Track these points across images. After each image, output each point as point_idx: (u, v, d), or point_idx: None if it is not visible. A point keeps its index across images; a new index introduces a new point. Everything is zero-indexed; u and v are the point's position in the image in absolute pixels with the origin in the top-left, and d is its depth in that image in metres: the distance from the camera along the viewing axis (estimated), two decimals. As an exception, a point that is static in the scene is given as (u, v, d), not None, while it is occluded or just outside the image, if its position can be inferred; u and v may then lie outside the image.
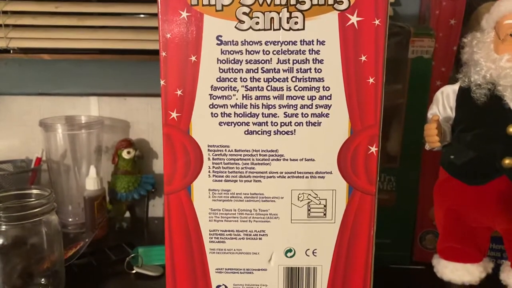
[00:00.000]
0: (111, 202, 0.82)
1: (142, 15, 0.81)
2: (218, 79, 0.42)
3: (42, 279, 0.57)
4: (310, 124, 0.43)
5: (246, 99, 0.42)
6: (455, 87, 0.53)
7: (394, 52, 0.64)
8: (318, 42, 0.41)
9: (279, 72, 0.42)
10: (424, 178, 0.66)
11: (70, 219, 0.81)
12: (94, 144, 0.81)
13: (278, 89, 0.42)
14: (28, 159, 0.84)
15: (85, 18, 0.79)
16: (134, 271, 0.65)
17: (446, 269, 0.54)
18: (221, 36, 0.41)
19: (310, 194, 0.44)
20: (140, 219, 0.85)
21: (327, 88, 0.42)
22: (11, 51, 0.80)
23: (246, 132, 0.43)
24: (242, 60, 0.42)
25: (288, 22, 0.41)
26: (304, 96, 0.42)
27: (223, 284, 0.46)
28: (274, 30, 0.41)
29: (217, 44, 0.41)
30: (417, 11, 0.77)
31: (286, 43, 0.41)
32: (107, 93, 0.84)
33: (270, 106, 0.43)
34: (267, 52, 0.41)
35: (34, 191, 0.58)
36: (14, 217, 0.53)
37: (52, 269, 0.57)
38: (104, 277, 0.64)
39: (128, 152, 0.80)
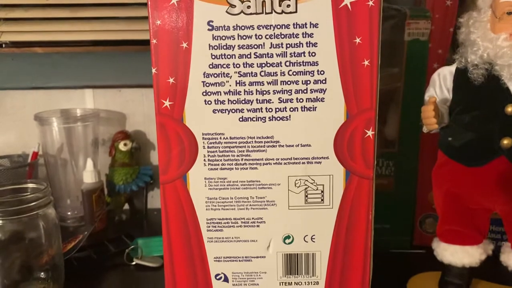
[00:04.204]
0: (110, 195, 0.82)
1: (134, 5, 0.80)
2: (211, 66, 0.41)
3: (42, 273, 0.57)
4: (305, 109, 0.42)
5: (239, 85, 0.42)
6: (452, 68, 0.52)
7: (390, 35, 0.63)
8: (311, 25, 0.40)
9: (273, 57, 0.41)
10: (423, 161, 0.66)
11: (69, 213, 0.81)
12: (91, 136, 0.80)
13: (272, 74, 0.42)
14: (24, 154, 0.83)
15: (77, 9, 0.78)
16: (134, 263, 0.65)
17: (446, 252, 0.54)
18: (212, 22, 0.41)
19: (307, 180, 0.44)
20: (139, 210, 0.84)
21: (322, 72, 0.41)
22: (3, 45, 0.79)
23: (241, 119, 0.42)
24: (235, 45, 0.41)
25: (280, 5, 0.40)
26: (298, 81, 0.42)
27: (222, 273, 0.46)
28: (266, 13, 0.40)
29: (209, 29, 0.41)
30: (412, -7, 0.76)
31: (278, 26, 0.41)
32: (101, 85, 0.84)
33: (264, 92, 0.42)
34: (260, 37, 0.41)
35: (30, 185, 0.58)
36: (11, 212, 0.53)
37: (51, 263, 0.57)
38: (104, 269, 0.64)
39: (125, 144, 0.80)
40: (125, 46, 0.79)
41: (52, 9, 0.78)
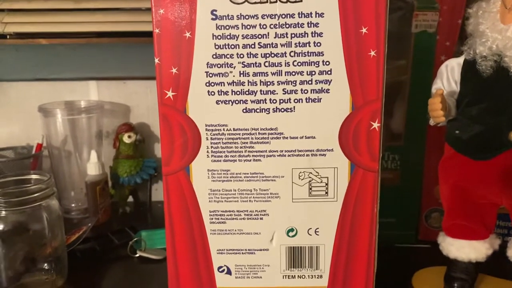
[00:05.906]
0: (114, 187, 0.82)
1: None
2: (214, 56, 0.41)
3: (45, 264, 0.57)
4: (310, 100, 0.42)
5: (243, 76, 0.41)
6: (460, 60, 0.51)
7: (397, 27, 0.62)
8: (317, 15, 0.40)
9: (277, 47, 0.41)
10: (429, 155, 0.65)
11: (73, 205, 0.81)
12: (95, 128, 0.80)
13: (276, 64, 0.41)
14: (29, 146, 0.83)
15: (81, 0, 0.78)
16: (137, 255, 0.65)
17: (452, 246, 0.53)
18: (215, 11, 0.40)
19: (311, 173, 0.43)
20: (143, 203, 0.84)
21: (327, 63, 0.41)
22: (8, 37, 0.79)
23: (244, 110, 0.42)
24: (238, 35, 0.40)
25: (285, -6, 0.39)
26: (303, 72, 0.41)
27: (224, 265, 0.46)
28: (270, 2, 0.40)
29: (212, 19, 0.40)
30: (420, -16, 0.74)
31: (283, 16, 0.40)
32: (106, 77, 0.83)
33: (268, 83, 0.41)
34: (264, 26, 0.40)
35: (34, 176, 0.58)
36: (14, 203, 0.53)
37: (54, 254, 0.57)
38: (107, 261, 0.64)
39: (129, 136, 0.80)
40: (129, 37, 0.79)
41: (56, 0, 0.78)
